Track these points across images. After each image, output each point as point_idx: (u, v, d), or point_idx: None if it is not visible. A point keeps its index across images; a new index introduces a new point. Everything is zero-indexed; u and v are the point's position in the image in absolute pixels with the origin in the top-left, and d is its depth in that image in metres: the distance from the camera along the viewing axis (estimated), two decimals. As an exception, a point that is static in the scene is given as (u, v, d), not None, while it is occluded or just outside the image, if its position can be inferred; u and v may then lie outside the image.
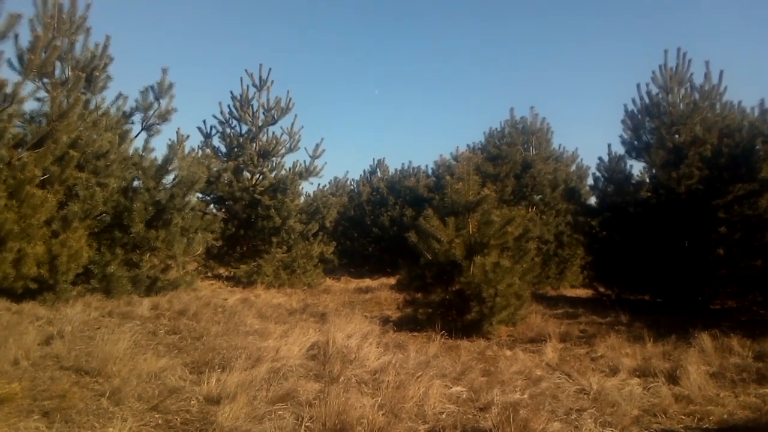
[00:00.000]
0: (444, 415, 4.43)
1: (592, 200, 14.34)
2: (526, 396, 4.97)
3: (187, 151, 12.21)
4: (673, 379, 5.64)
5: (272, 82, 15.73)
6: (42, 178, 7.98)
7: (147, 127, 10.56)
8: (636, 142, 12.59)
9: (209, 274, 14.17)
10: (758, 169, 10.39)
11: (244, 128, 15.79)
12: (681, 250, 11.08)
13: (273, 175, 15.52)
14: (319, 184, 29.71)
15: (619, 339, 7.52)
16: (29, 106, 8.61)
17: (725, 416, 4.68)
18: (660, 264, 11.10)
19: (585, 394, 5.24)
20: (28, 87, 8.36)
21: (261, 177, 15.47)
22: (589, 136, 78.32)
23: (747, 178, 10.62)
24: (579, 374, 5.81)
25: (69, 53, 9.51)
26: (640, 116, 12.56)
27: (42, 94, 8.91)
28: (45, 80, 9.09)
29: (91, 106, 9.79)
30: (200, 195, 14.08)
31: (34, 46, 8.34)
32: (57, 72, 9.35)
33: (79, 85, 9.00)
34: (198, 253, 10.98)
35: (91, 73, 9.66)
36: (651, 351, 6.86)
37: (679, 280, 11.07)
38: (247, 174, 15.47)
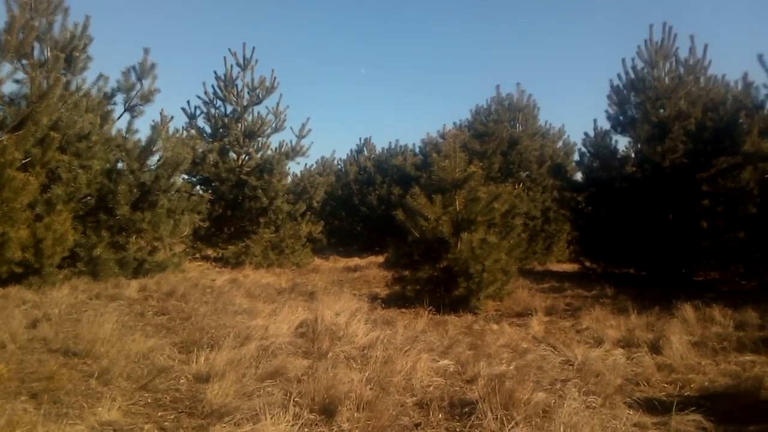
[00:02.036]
0: (431, 388, 4.50)
1: (578, 176, 14.43)
2: (511, 368, 5.05)
3: (171, 132, 12.09)
4: (656, 349, 5.76)
5: (256, 61, 15.57)
6: (23, 161, 7.88)
7: (130, 108, 10.43)
8: (621, 117, 12.64)
9: (197, 256, 14.14)
10: (741, 142, 10.47)
11: (229, 108, 15.64)
12: (665, 223, 11.21)
13: (259, 155, 15.42)
14: (305, 164, 29.53)
15: (603, 311, 7.64)
16: (8, 88, 8.47)
17: (706, 384, 4.80)
18: (645, 238, 11.24)
19: (570, 365, 5.35)
20: (6, 68, 8.23)
21: (247, 157, 15.36)
22: (576, 112, 78.44)
23: (730, 151, 10.72)
24: (564, 346, 5.91)
25: (47, 34, 9.32)
26: (625, 91, 12.60)
27: (21, 75, 8.75)
28: (24, 61, 8.91)
29: (72, 88, 9.64)
30: (186, 176, 13.99)
31: (10, 27, 8.17)
32: (36, 53, 9.16)
33: (59, 66, 8.84)
34: (185, 234, 10.93)
35: (70, 54, 9.49)
36: (635, 322, 6.99)
37: (663, 253, 11.22)
38: (233, 154, 15.36)
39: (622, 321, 7.07)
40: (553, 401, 4.01)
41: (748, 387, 4.53)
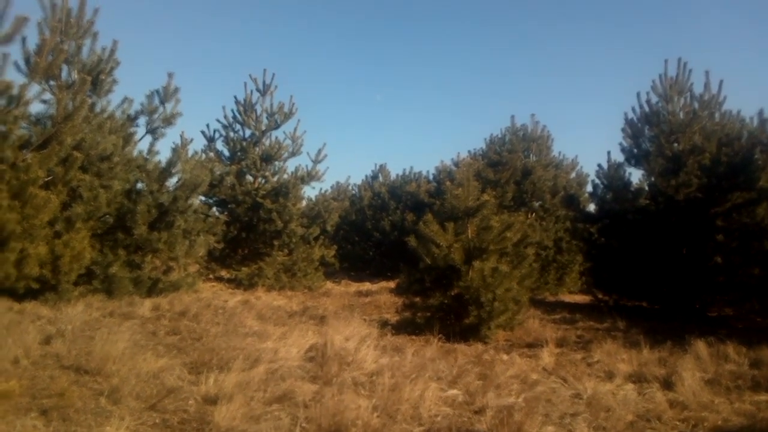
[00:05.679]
0: (439, 418, 4.48)
1: (591, 207, 14.41)
2: (520, 400, 5.02)
3: (190, 154, 12.29)
4: (668, 385, 5.68)
5: (276, 86, 15.83)
6: (46, 179, 8.05)
7: (151, 131, 10.63)
8: (635, 150, 12.62)
9: (211, 276, 14.23)
10: (756, 177, 10.42)
11: (248, 132, 15.87)
12: (679, 257, 11.10)
13: (275, 179, 15.59)
14: (321, 189, 29.77)
15: (615, 345, 7.55)
16: (35, 108, 8.70)
17: (720, 422, 4.71)
18: (658, 271, 11.13)
19: (580, 398, 5.28)
20: (34, 89, 8.43)
21: (263, 181, 15.54)
22: (589, 143, 78.49)
23: (745, 186, 10.65)
24: (575, 379, 5.85)
25: (76, 56, 9.60)
26: (639, 124, 12.61)
27: (48, 96, 9.00)
28: (51, 83, 9.18)
29: (97, 109, 9.87)
30: (203, 198, 14.15)
31: (40, 49, 8.44)
32: (63, 75, 9.43)
33: (85, 88, 9.09)
34: (200, 255, 11.04)
35: (97, 77, 9.75)
36: (647, 357, 6.89)
37: (676, 287, 11.09)
38: (249, 178, 15.55)
39: (633, 355, 6.97)
40: (561, 435, 3.98)
41: (763, 427, 4.46)
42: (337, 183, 28.02)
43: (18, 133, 8.01)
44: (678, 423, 4.72)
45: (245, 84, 15.67)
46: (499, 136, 18.54)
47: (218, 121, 15.89)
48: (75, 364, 5.01)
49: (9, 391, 3.99)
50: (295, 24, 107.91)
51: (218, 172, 14.56)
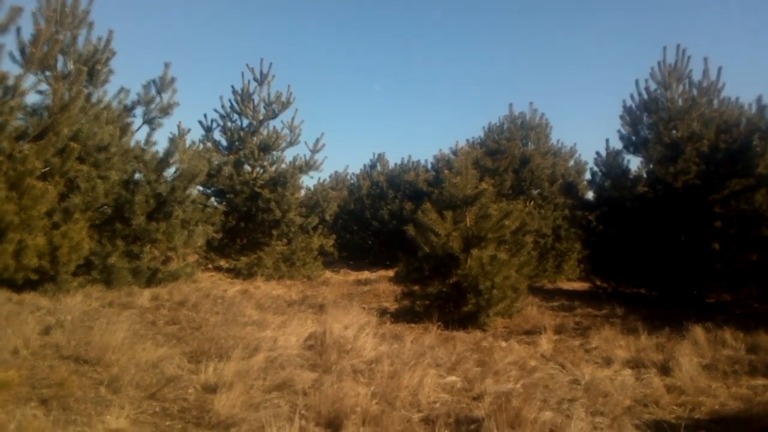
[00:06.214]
0: (438, 404, 4.50)
1: (590, 195, 14.37)
2: (519, 386, 5.05)
3: (188, 144, 12.24)
4: (665, 370, 5.72)
5: (273, 76, 15.75)
6: (43, 170, 8.03)
7: (148, 121, 10.59)
8: (634, 138, 12.59)
9: (210, 266, 14.25)
10: (755, 164, 10.41)
11: (245, 122, 15.82)
12: (677, 244, 11.12)
13: (273, 168, 15.56)
14: (319, 178, 29.56)
15: (613, 331, 7.58)
16: (31, 98, 8.64)
17: (717, 407, 4.75)
18: (656, 258, 11.15)
19: (578, 384, 5.32)
20: (30, 80, 8.37)
21: (261, 170, 15.51)
22: (588, 131, 78.43)
23: (743, 173, 10.63)
24: (573, 365, 5.88)
25: (71, 47, 9.53)
26: (638, 112, 12.57)
27: (44, 86, 8.94)
28: (47, 73, 9.12)
29: (93, 100, 9.82)
30: (201, 188, 14.12)
31: (36, 39, 8.37)
32: (59, 65, 9.37)
33: (81, 79, 9.04)
34: (199, 245, 11.04)
35: (93, 67, 9.69)
36: (645, 343, 6.93)
37: (674, 274, 11.12)
38: (247, 167, 15.51)
39: (631, 341, 7.01)
40: (560, 421, 4.01)
41: (760, 411, 4.49)
42: (336, 172, 28.07)
43: (14, 124, 7.97)
44: (675, 408, 4.75)
45: (242, 74, 15.62)
46: (498, 124, 18.54)
47: (216, 111, 15.86)
48: (74, 354, 5.02)
49: (8, 381, 4.00)
50: (293, 14, 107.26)
51: (216, 162, 14.53)
